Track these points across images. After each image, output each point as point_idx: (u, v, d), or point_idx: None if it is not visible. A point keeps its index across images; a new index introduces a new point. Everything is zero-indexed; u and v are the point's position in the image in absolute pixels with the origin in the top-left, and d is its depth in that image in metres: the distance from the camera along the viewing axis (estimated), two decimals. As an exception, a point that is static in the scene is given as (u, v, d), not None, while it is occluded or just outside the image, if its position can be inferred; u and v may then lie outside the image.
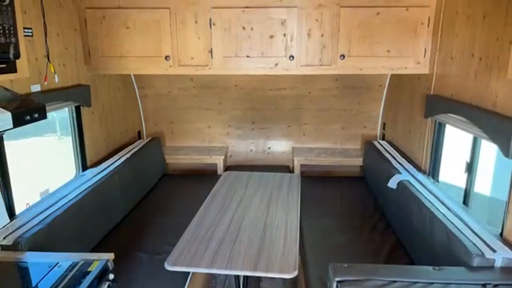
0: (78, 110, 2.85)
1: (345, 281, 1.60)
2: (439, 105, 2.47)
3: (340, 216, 2.94)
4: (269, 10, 2.81)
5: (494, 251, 1.69)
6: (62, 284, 1.48)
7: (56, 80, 2.47)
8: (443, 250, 1.93)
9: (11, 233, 1.88)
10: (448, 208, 2.14)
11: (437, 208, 2.15)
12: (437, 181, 2.66)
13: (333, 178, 3.76)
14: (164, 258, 1.92)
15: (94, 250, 2.40)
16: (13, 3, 1.72)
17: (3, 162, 2.07)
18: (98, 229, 2.54)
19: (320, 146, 4.10)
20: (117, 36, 2.89)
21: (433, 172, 2.69)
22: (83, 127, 2.90)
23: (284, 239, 2.09)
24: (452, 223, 1.96)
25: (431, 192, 2.39)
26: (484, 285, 1.57)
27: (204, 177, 3.74)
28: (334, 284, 1.61)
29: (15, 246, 1.78)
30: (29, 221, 2.01)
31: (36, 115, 1.66)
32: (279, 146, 4.16)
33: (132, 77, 3.84)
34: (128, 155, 3.19)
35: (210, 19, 2.84)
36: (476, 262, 1.67)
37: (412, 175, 2.69)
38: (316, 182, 3.64)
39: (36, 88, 2.28)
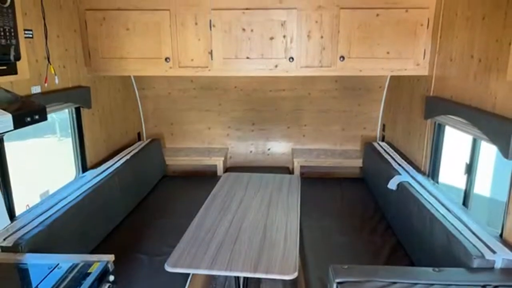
0: (78, 111, 2.85)
1: (345, 282, 1.61)
2: (439, 106, 2.48)
3: (340, 217, 2.94)
4: (269, 11, 2.81)
5: (494, 252, 1.70)
6: (62, 286, 1.48)
7: (56, 81, 2.47)
8: (443, 251, 1.94)
9: (11, 234, 1.87)
10: (448, 209, 2.15)
11: (437, 210, 2.15)
12: (437, 182, 2.66)
13: (333, 180, 3.76)
14: (164, 260, 1.92)
15: (94, 251, 2.40)
16: (14, 5, 1.72)
17: (3, 164, 2.07)
18: (98, 230, 2.54)
19: (320, 147, 4.10)
20: (117, 37, 2.90)
21: (433, 173, 2.69)
22: (83, 129, 2.90)
23: (284, 240, 2.09)
24: (452, 224, 1.97)
25: (431, 194, 2.39)
26: (484, 286, 1.57)
27: (204, 179, 3.74)
28: (334, 285, 1.61)
29: (15, 248, 1.78)
30: (29, 222, 2.01)
31: (37, 117, 1.66)
32: (279, 148, 4.16)
33: (132, 78, 3.84)
34: (128, 157, 3.19)
35: (210, 20, 2.84)
36: (476, 263, 1.67)
37: (412, 177, 2.70)
38: (316, 183, 3.64)
39: (36, 89, 2.28)
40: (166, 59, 2.91)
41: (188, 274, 2.23)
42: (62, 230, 2.11)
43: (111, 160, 3.07)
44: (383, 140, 3.86)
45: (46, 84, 2.37)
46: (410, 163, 2.98)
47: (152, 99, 4.01)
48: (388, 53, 2.80)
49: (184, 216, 2.64)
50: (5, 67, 1.74)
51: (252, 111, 4.03)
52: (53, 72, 2.44)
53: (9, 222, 1.98)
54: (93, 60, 2.93)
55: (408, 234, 2.42)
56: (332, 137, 4.06)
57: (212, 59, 2.91)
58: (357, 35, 2.79)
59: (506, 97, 1.81)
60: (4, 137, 2.03)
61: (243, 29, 2.85)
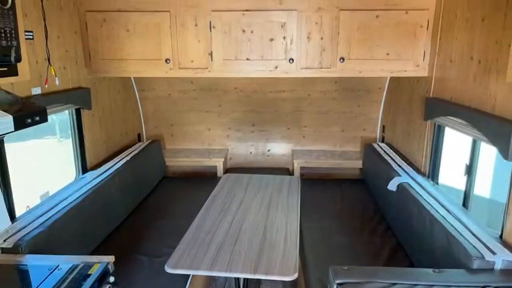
0: (78, 112, 2.86)
1: (345, 283, 1.61)
2: (439, 107, 2.48)
3: (340, 219, 2.94)
4: (269, 13, 2.82)
5: (494, 253, 1.70)
6: (62, 287, 1.48)
7: (57, 83, 2.48)
8: (443, 252, 1.94)
9: (11, 235, 1.87)
10: (448, 211, 2.15)
11: (436, 211, 2.15)
12: (437, 183, 2.66)
13: (333, 181, 3.76)
14: (164, 261, 1.92)
15: (94, 252, 2.40)
16: (15, 6, 1.72)
17: (4, 165, 2.07)
18: (98, 231, 2.54)
19: (320, 148, 4.10)
20: (118, 39, 2.90)
21: (432, 174, 2.69)
22: (83, 130, 2.90)
23: (284, 241, 2.10)
24: (452, 225, 1.97)
25: (430, 195, 2.39)
26: (484, 287, 1.57)
27: (204, 180, 3.74)
28: (334, 286, 1.61)
29: (15, 249, 1.78)
30: (29, 223, 2.01)
31: (37, 118, 1.66)
32: (278, 149, 4.17)
33: (132, 79, 3.84)
34: (128, 158, 3.19)
35: (210, 22, 2.85)
36: (476, 264, 1.67)
37: (412, 178, 2.70)
38: (316, 184, 3.64)
39: (36, 91, 2.28)
40: (166, 60, 2.92)
41: (188, 275, 2.23)
42: (62, 231, 2.11)
43: (111, 161, 3.07)
44: (383, 141, 3.86)
45: (46, 86, 2.37)
46: (410, 164, 2.98)
47: (152, 100, 4.01)
48: (387, 54, 2.80)
49: (184, 217, 2.64)
50: (5, 69, 1.74)
51: (252, 112, 4.03)
52: (53, 73, 2.44)
53: (10, 223, 1.98)
54: (93, 62, 2.94)
55: (408, 235, 2.42)
56: (332, 138, 4.07)
57: (212, 60, 2.92)
58: (356, 37, 2.79)
59: (505, 98, 1.81)
60: (5, 138, 2.04)
61: (243, 31, 2.86)
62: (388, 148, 3.51)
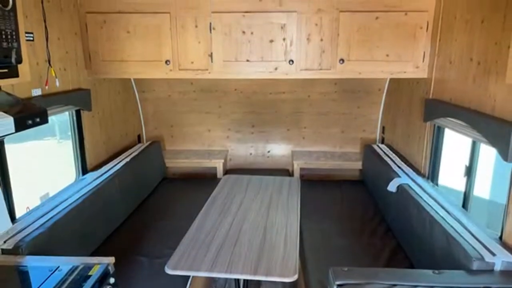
0: (78, 114, 2.86)
1: (345, 284, 1.61)
2: (438, 109, 2.49)
3: (340, 220, 2.94)
4: (269, 14, 2.83)
5: (493, 254, 1.70)
6: (62, 288, 1.48)
7: (57, 84, 2.48)
8: (443, 253, 1.94)
9: (12, 237, 1.88)
10: (448, 212, 2.15)
11: (436, 212, 2.16)
12: (437, 184, 2.66)
13: (333, 182, 3.77)
14: (165, 262, 1.92)
15: (94, 254, 2.40)
16: (16, 8, 1.72)
17: (4, 166, 2.07)
18: (98, 233, 2.54)
19: (320, 149, 4.10)
20: (118, 40, 2.91)
21: (432, 175, 2.70)
22: (83, 131, 2.90)
23: (284, 243, 2.10)
24: (451, 226, 1.97)
25: (430, 196, 2.39)
26: (484, 288, 1.57)
27: (204, 181, 3.74)
28: (335, 288, 1.61)
29: (15, 250, 1.78)
30: (29, 225, 2.01)
31: (38, 120, 1.66)
32: (278, 150, 4.17)
33: (132, 81, 3.85)
34: (128, 159, 3.19)
35: (210, 23, 2.85)
36: (476, 265, 1.67)
37: (412, 179, 2.70)
38: (316, 185, 3.64)
39: (37, 92, 2.28)
40: (166, 61, 2.92)
41: (188, 277, 2.23)
42: (62, 232, 2.11)
43: (111, 163, 3.07)
44: (382, 142, 3.86)
45: (46, 87, 2.38)
46: (410, 165, 2.98)
47: (152, 102, 4.01)
48: (387, 56, 2.81)
49: (184, 218, 2.64)
50: (6, 70, 1.74)
51: (252, 113, 4.03)
52: (53, 74, 2.44)
53: (11, 224, 1.98)
54: (93, 63, 2.94)
55: (408, 237, 2.43)
56: (332, 139, 4.07)
57: (212, 61, 2.92)
58: (356, 38, 2.80)
59: (505, 99, 1.82)
60: (5, 140, 2.04)
61: (243, 32, 2.86)
62: (388, 149, 3.51)
